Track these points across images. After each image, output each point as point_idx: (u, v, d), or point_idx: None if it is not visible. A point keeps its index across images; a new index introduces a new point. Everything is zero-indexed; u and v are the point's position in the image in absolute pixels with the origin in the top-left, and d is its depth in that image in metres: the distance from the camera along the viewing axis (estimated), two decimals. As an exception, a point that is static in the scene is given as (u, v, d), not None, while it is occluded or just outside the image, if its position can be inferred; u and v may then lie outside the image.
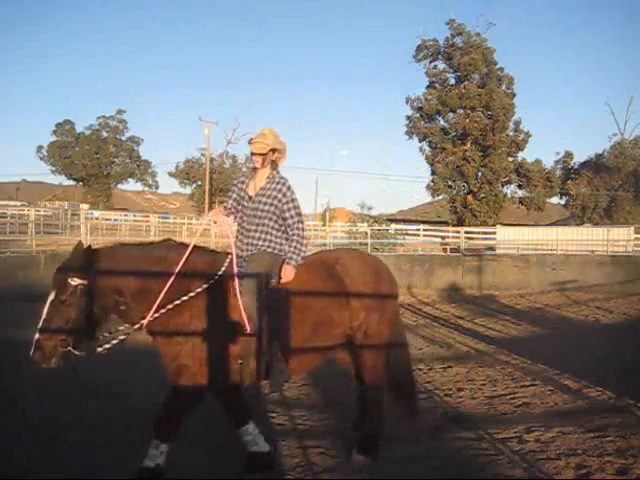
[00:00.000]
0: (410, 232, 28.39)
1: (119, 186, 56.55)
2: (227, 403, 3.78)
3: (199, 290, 3.46)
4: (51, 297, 3.24)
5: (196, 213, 44.12)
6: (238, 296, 3.49)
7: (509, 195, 36.85)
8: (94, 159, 50.12)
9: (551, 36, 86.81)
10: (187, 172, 48.55)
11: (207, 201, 42.54)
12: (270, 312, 3.52)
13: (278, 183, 3.81)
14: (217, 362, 3.43)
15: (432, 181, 36.14)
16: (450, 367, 6.93)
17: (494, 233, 26.37)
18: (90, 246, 3.45)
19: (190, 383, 3.41)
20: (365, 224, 23.64)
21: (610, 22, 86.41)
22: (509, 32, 77.70)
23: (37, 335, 3.17)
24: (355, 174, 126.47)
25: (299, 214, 3.83)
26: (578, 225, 31.93)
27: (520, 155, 36.22)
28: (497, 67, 35.22)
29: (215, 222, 3.96)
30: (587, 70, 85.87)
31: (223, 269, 3.58)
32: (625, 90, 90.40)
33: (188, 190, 50.71)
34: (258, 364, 3.47)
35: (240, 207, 3.89)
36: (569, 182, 37.52)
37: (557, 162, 38.46)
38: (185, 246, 3.63)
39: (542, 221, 42.61)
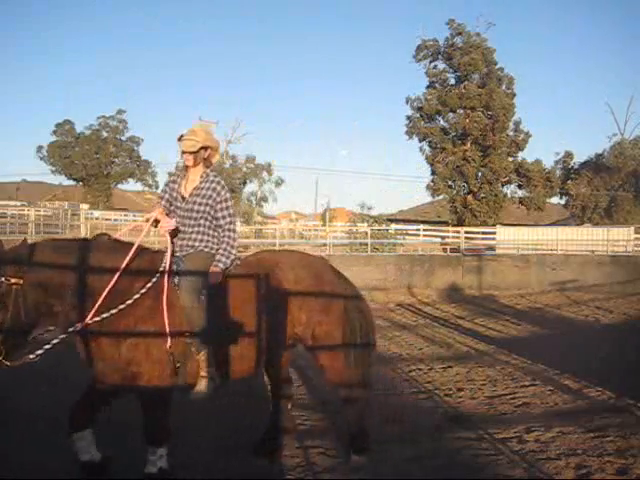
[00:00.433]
0: (410, 232, 28.39)
1: (119, 186, 56.47)
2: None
3: (144, 290, 3.29)
4: None
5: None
6: (179, 296, 3.35)
7: (509, 195, 36.81)
8: (94, 159, 50.05)
9: (551, 36, 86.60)
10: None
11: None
12: (206, 313, 3.39)
13: (212, 182, 3.70)
14: (162, 364, 3.28)
15: (432, 181, 36.11)
16: (450, 367, 6.93)
17: (494, 233, 26.35)
18: (25, 239, 3.24)
19: (151, 385, 3.26)
20: (365, 224, 23.67)
21: (610, 22, 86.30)
22: (509, 32, 77.67)
23: None
24: (355, 174, 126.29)
25: (231, 215, 3.73)
26: (578, 225, 31.90)
27: (520, 155, 36.20)
28: (497, 67, 35.17)
29: (158, 221, 3.64)
30: (587, 70, 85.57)
31: (162, 268, 3.42)
32: (625, 90, 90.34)
33: (229, 196, 50.40)
34: (195, 366, 3.35)
35: (173, 208, 3.75)
36: (569, 182, 37.48)
37: (557, 162, 38.41)
38: (123, 243, 3.48)
39: (542, 221, 42.56)
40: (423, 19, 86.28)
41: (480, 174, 35.07)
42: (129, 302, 3.23)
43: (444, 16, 38.03)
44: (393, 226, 26.05)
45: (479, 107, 34.14)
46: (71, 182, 53.68)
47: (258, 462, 3.87)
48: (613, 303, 13.24)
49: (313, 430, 4.62)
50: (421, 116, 36.14)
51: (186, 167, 3.74)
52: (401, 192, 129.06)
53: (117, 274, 3.24)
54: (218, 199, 3.67)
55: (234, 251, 3.69)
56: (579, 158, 39.00)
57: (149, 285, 3.32)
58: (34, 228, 19.53)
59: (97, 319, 3.18)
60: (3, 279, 2.96)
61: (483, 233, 27.80)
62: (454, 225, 32.10)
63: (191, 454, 3.91)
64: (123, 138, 52.10)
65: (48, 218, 28.02)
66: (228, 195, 3.74)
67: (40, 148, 50.08)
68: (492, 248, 22.33)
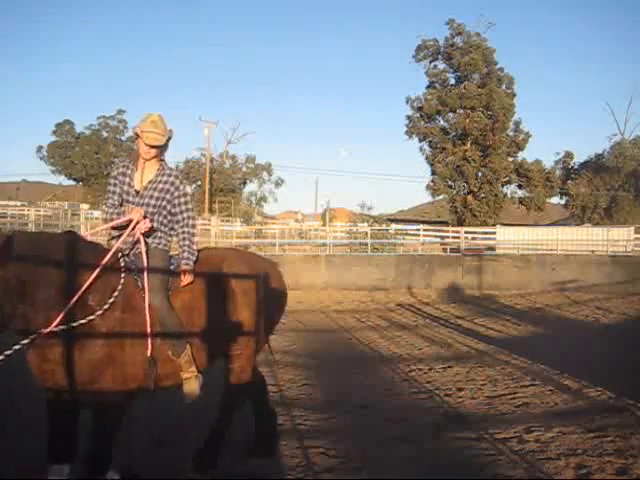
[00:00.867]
0: (410, 232, 28.36)
1: (119, 186, 56.51)
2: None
3: (120, 288, 3.12)
4: None
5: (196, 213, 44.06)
6: (146, 295, 3.19)
7: (509, 195, 36.86)
8: (94, 159, 50.06)
9: (551, 36, 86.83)
10: (187, 172, 48.54)
11: (207, 201, 42.56)
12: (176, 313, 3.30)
13: (170, 175, 3.51)
14: (134, 367, 3.13)
15: (432, 181, 36.14)
16: (450, 367, 6.93)
17: (494, 233, 26.33)
18: None
19: (118, 399, 3.11)
20: (365, 224, 23.69)
21: (610, 22, 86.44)
22: (509, 32, 77.75)
23: None
24: (355, 174, 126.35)
25: (190, 209, 3.58)
26: (578, 225, 31.88)
27: (520, 155, 36.31)
28: (497, 67, 35.22)
29: (138, 222, 3.33)
30: (587, 70, 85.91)
31: (125, 269, 3.24)
32: (625, 90, 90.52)
33: (188, 190, 50.63)
34: (164, 368, 3.25)
35: (125, 202, 3.47)
36: (569, 182, 37.53)
37: (557, 162, 38.47)
38: (90, 243, 3.31)
39: (542, 221, 42.58)
40: (423, 19, 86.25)
41: (480, 174, 35.10)
42: (99, 313, 3.00)
43: (444, 16, 38.15)
44: (393, 226, 26.06)
45: (479, 107, 34.17)
46: (71, 182, 53.73)
47: (257, 461, 3.87)
48: (613, 303, 13.25)
49: (313, 430, 4.62)
50: (421, 116, 36.18)
51: (137, 159, 3.51)
52: (401, 192, 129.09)
53: (87, 282, 3.00)
54: (177, 194, 3.51)
55: (195, 247, 3.55)
56: (579, 158, 39.14)
57: (119, 288, 3.13)
58: (34, 228, 19.53)
59: (63, 327, 2.89)
60: None
61: (483, 233, 27.81)
62: (454, 225, 32.11)
63: (185, 453, 3.89)
64: (123, 138, 52.11)
65: (48, 218, 28.01)
66: (187, 190, 3.60)
67: (40, 148, 50.17)
68: (492, 248, 22.32)
